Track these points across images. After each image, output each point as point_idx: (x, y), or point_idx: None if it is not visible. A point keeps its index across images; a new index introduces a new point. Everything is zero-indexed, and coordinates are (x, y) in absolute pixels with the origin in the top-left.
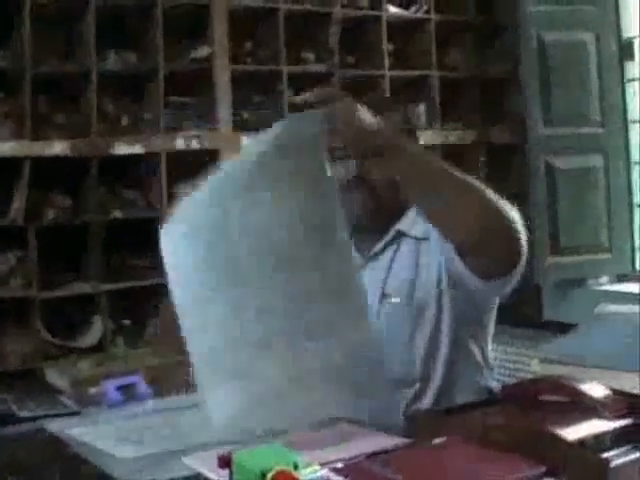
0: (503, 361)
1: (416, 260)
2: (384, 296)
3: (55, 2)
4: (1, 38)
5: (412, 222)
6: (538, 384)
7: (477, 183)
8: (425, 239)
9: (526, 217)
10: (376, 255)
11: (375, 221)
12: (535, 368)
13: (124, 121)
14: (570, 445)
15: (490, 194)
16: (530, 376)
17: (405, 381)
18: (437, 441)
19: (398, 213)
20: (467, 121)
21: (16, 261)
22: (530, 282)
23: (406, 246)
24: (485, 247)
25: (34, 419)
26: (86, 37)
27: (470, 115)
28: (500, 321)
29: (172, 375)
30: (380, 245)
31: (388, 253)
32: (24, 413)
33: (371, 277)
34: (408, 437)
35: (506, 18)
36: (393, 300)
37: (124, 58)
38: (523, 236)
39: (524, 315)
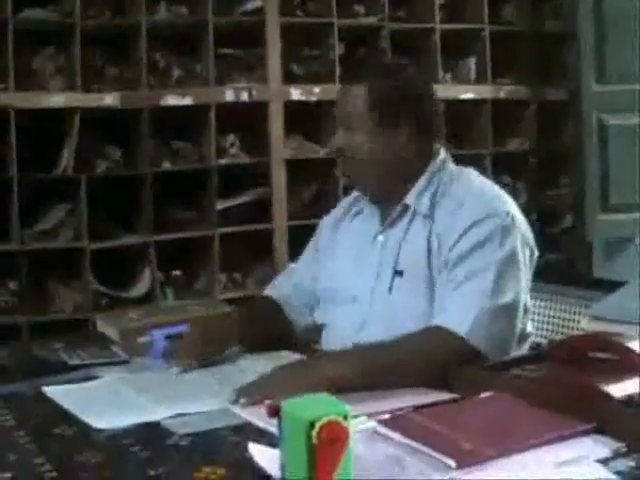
0: (552, 318)
1: (427, 235)
2: (396, 273)
3: None
4: None
5: (416, 197)
6: (587, 341)
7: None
8: (429, 216)
9: (578, 174)
10: (387, 229)
11: (376, 195)
12: (585, 326)
13: (174, 73)
14: (618, 402)
15: (416, 355)
16: (579, 333)
17: None
18: (483, 396)
19: (402, 187)
20: (519, 76)
21: (67, 212)
22: (581, 239)
23: (417, 222)
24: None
25: (84, 367)
26: None
27: (522, 70)
28: (550, 279)
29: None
30: (388, 220)
31: (399, 228)
32: (74, 361)
33: (384, 251)
34: (456, 391)
35: None
36: (405, 277)
37: (174, 11)
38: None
39: (574, 273)
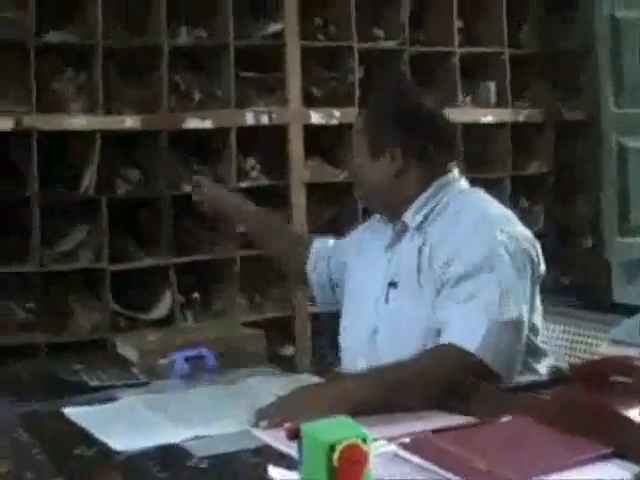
0: (572, 342)
1: (419, 248)
2: (391, 284)
3: None
4: (73, 14)
5: (413, 214)
6: (607, 364)
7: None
8: (421, 230)
9: (596, 196)
10: (393, 245)
11: (381, 213)
12: (604, 350)
13: (195, 96)
14: (638, 426)
15: (428, 370)
16: (599, 357)
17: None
18: (503, 420)
19: (403, 206)
20: (538, 99)
21: (87, 233)
22: (599, 262)
23: (412, 236)
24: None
25: (104, 388)
26: (157, 12)
27: (540, 93)
28: (569, 302)
29: (239, 348)
30: (392, 237)
31: (404, 242)
32: (94, 382)
33: (389, 266)
34: (475, 415)
35: None
36: (399, 287)
37: (195, 33)
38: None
39: (593, 296)
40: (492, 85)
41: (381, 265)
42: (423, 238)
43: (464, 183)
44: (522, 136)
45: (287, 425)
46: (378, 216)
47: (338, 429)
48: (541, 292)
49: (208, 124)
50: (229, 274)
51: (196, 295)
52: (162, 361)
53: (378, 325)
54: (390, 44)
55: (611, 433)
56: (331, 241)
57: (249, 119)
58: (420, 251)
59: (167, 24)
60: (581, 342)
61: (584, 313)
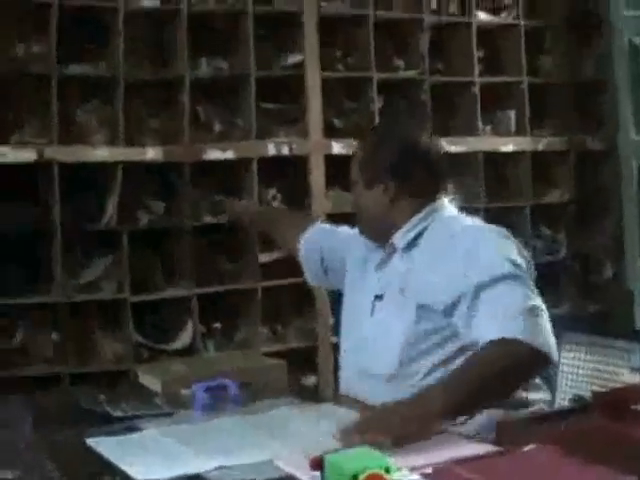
0: (594, 370)
1: (405, 266)
2: (377, 297)
3: (147, 12)
4: (95, 47)
5: (401, 237)
6: (628, 393)
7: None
8: (408, 250)
9: (618, 223)
10: (381, 267)
11: (374, 240)
12: (626, 377)
13: (216, 127)
14: None
15: (490, 368)
16: (621, 385)
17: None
18: (526, 449)
19: (392, 233)
20: (556, 128)
21: (109, 264)
22: (621, 290)
23: (400, 256)
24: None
25: (127, 419)
26: (178, 45)
27: (560, 121)
28: (591, 330)
29: (261, 378)
30: (382, 260)
31: (392, 262)
32: (117, 413)
33: (368, 281)
34: (497, 444)
35: (598, 23)
36: (386, 300)
37: (216, 65)
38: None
39: (615, 324)
40: (512, 114)
41: (372, 285)
42: (411, 260)
43: (453, 209)
44: (542, 165)
45: (311, 455)
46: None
47: (361, 458)
48: (563, 320)
49: (229, 155)
50: (251, 304)
51: (218, 325)
52: (185, 391)
53: (366, 337)
54: (410, 74)
55: (633, 461)
56: (330, 227)
57: (270, 150)
58: (408, 271)
59: (188, 56)
60: (603, 370)
61: (606, 341)
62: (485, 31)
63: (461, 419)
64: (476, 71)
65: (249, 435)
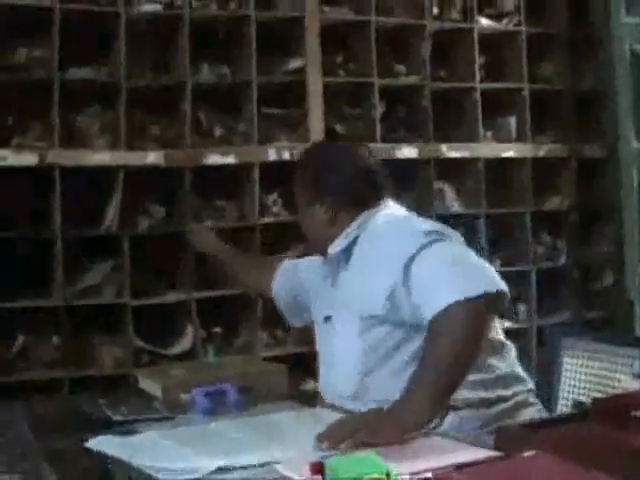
0: (593, 377)
1: (355, 281)
2: (326, 319)
3: (149, 17)
4: (97, 53)
5: (334, 245)
6: (629, 399)
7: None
8: (344, 256)
9: (618, 231)
10: (334, 279)
11: (320, 254)
12: (627, 384)
13: (217, 132)
14: None
15: (459, 344)
16: (621, 392)
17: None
18: (525, 454)
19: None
20: (557, 135)
21: (110, 269)
22: (622, 297)
23: (344, 275)
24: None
25: (127, 423)
26: (180, 50)
27: (561, 129)
28: (591, 337)
29: (261, 382)
30: (327, 271)
31: (341, 276)
32: (117, 417)
33: (323, 298)
34: (497, 450)
35: (599, 31)
36: (334, 321)
37: (217, 70)
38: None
39: (615, 331)
40: (513, 120)
41: (324, 304)
42: (350, 270)
43: (390, 210)
44: (543, 171)
45: (311, 460)
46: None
47: (361, 464)
48: (564, 326)
49: (230, 160)
50: (251, 309)
51: (218, 330)
52: (184, 396)
53: (325, 362)
54: (412, 80)
55: (633, 469)
56: (294, 264)
57: (271, 155)
58: (347, 283)
59: (190, 61)
60: (604, 376)
61: (606, 347)
62: (487, 37)
63: (435, 421)
64: (477, 77)
65: (248, 438)
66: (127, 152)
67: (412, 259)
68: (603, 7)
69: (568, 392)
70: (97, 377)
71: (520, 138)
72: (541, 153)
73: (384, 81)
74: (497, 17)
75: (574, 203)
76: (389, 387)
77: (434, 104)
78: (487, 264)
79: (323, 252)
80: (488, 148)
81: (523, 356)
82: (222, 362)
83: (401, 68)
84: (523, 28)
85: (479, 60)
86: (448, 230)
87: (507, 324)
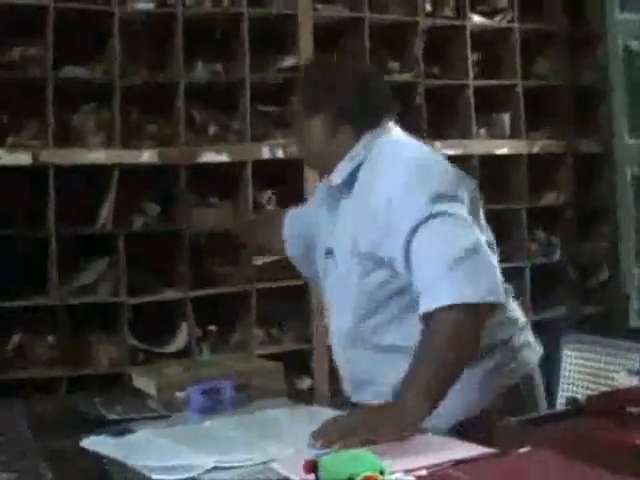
0: (588, 370)
1: (349, 208)
2: (328, 252)
3: (143, 15)
4: (92, 51)
5: (338, 173)
6: (623, 396)
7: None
8: (347, 189)
9: (613, 227)
10: (334, 208)
11: (322, 174)
12: (621, 379)
13: (211, 130)
14: None
15: (453, 341)
16: (616, 387)
17: (359, 330)
18: (521, 451)
19: (335, 164)
20: (553, 131)
21: (105, 267)
22: (617, 293)
23: (342, 197)
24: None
25: (122, 422)
26: (174, 48)
27: (556, 125)
28: (586, 332)
29: (257, 380)
30: (329, 201)
31: (343, 205)
32: (112, 416)
33: (320, 235)
34: (493, 446)
35: (593, 27)
36: (336, 254)
37: (211, 68)
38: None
39: (610, 326)
40: (506, 117)
41: (325, 236)
42: (353, 199)
43: (395, 133)
44: (538, 168)
45: (306, 458)
46: (321, 185)
47: (356, 462)
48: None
49: (224, 158)
50: (246, 307)
51: (213, 328)
52: (180, 394)
53: (329, 297)
54: (405, 77)
55: (628, 465)
56: (298, 211)
57: (265, 153)
58: (350, 214)
59: (184, 59)
60: (598, 370)
61: (607, 341)
62: (480, 34)
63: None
64: (471, 74)
65: (243, 436)
66: (122, 150)
67: (415, 230)
68: (598, 3)
69: (568, 385)
70: (93, 376)
71: (514, 135)
72: (535, 149)
73: None
74: (490, 14)
75: (569, 199)
76: (384, 332)
77: (428, 101)
78: (490, 262)
79: (324, 171)
80: (482, 145)
81: None
82: (217, 360)
83: (395, 65)
84: (516, 25)
85: (473, 57)
86: (459, 187)
87: None
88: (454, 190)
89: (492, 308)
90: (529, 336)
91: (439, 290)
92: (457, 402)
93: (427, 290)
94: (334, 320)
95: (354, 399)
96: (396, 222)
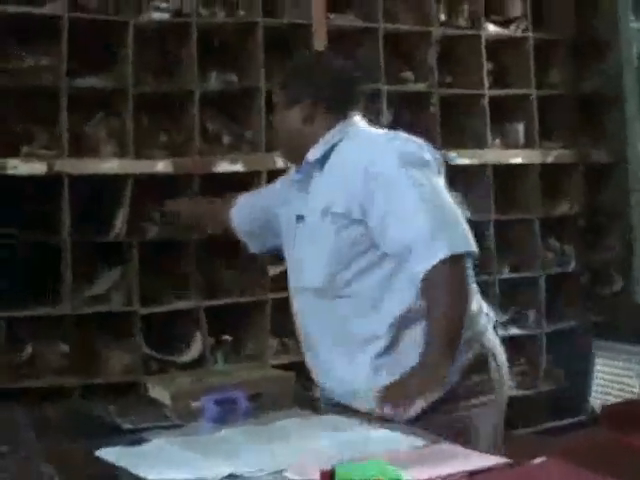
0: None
1: (318, 181)
2: (299, 218)
3: (157, 25)
4: (105, 61)
5: (314, 150)
6: (637, 406)
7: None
8: (322, 165)
9: (626, 236)
10: (305, 183)
11: (295, 161)
12: (635, 388)
13: (225, 140)
14: None
15: (454, 316)
16: (632, 395)
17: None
18: (536, 461)
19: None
20: (566, 140)
21: (118, 276)
22: (630, 303)
23: (314, 172)
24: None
25: (137, 431)
26: (188, 58)
27: (569, 134)
28: (603, 338)
29: (270, 390)
30: (302, 176)
31: (315, 181)
32: (127, 425)
33: (289, 210)
34: (508, 456)
35: (606, 36)
36: (307, 219)
37: (225, 78)
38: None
39: (625, 333)
40: (520, 126)
41: (295, 207)
42: (325, 173)
43: (364, 125)
44: (551, 177)
45: (322, 469)
46: (293, 168)
47: (371, 471)
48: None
49: (238, 167)
50: (260, 316)
51: (227, 337)
52: (194, 404)
53: (298, 258)
54: (419, 86)
55: None
56: (254, 192)
57: (278, 162)
58: (322, 184)
59: (198, 69)
60: (614, 374)
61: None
62: (494, 44)
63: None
64: (485, 84)
65: (256, 445)
66: (136, 160)
67: (391, 194)
68: (611, 12)
69: (599, 393)
70: (106, 385)
71: (528, 144)
72: (549, 159)
73: (392, 88)
74: (504, 23)
75: (582, 209)
76: (356, 284)
77: (442, 111)
78: (461, 218)
79: (297, 160)
80: (496, 154)
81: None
82: (231, 370)
83: (409, 75)
84: (530, 34)
85: (486, 66)
86: (424, 151)
87: (516, 331)
88: (420, 154)
89: (471, 256)
90: (482, 303)
91: (428, 246)
92: None
93: (415, 250)
94: (305, 279)
95: (322, 382)
96: (374, 190)
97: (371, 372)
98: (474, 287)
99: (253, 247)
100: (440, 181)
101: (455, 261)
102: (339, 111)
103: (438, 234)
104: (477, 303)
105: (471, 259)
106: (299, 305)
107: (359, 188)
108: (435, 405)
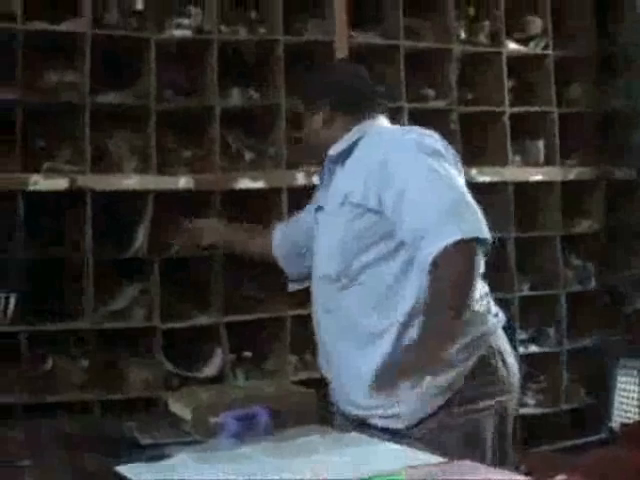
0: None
1: (340, 176)
2: (318, 209)
3: (179, 42)
4: (127, 77)
5: (335, 147)
6: None
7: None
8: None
9: None
10: (328, 180)
11: (320, 161)
12: None
13: (247, 156)
14: None
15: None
16: None
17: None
18: (557, 479)
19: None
20: (587, 157)
21: (139, 292)
22: None
23: (335, 167)
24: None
25: (157, 446)
26: (209, 74)
27: (590, 151)
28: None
29: (291, 406)
30: (326, 173)
31: (337, 176)
32: (147, 440)
33: (323, 196)
34: (528, 474)
35: (628, 52)
36: (326, 209)
37: (246, 94)
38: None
39: None
40: (541, 144)
41: (317, 201)
42: (340, 167)
43: (386, 123)
44: (572, 195)
45: None
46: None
47: None
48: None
49: (260, 184)
50: (280, 332)
51: (247, 353)
52: (214, 420)
53: (317, 246)
54: (440, 104)
55: None
56: (295, 218)
57: (300, 179)
58: (343, 178)
59: (219, 85)
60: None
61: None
62: (515, 61)
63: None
64: (506, 101)
65: (277, 461)
66: (157, 176)
67: (408, 183)
68: (632, 29)
69: (621, 411)
70: (126, 400)
71: (549, 162)
72: (570, 176)
73: (412, 105)
74: (525, 41)
75: (603, 226)
76: (372, 272)
77: (462, 128)
78: (476, 207)
79: (316, 156)
80: (517, 172)
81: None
82: (251, 386)
83: (429, 92)
84: (551, 51)
85: (507, 84)
86: (443, 146)
87: (536, 348)
88: (436, 146)
89: (483, 244)
90: (491, 302)
91: (439, 232)
92: (417, 401)
93: (427, 235)
94: (320, 267)
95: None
96: (390, 177)
97: (380, 365)
98: (486, 287)
99: (290, 270)
100: (455, 171)
101: (465, 246)
102: (357, 113)
103: (450, 218)
104: (486, 301)
105: (483, 249)
106: (314, 295)
107: (376, 176)
108: (441, 407)
